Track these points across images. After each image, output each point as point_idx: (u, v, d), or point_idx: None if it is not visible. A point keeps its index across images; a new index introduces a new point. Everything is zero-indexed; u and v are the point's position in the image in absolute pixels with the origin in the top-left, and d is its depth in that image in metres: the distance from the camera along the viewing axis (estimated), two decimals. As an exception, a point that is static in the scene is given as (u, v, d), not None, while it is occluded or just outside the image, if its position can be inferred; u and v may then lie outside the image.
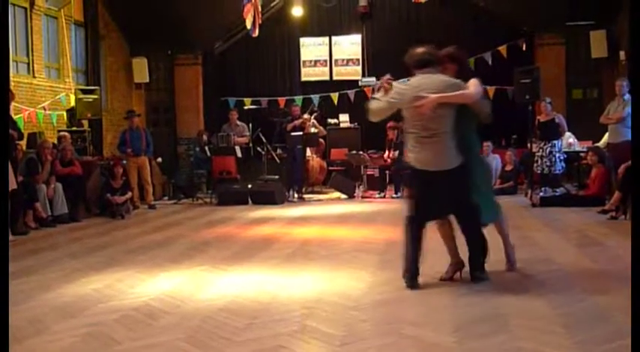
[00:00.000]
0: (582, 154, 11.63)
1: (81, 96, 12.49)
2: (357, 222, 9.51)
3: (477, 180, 5.28)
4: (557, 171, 11.16)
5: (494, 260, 5.96)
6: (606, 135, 11.05)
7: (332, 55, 16.47)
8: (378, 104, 5.26)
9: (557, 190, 11.01)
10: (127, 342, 4.12)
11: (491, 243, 5.70)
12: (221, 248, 7.61)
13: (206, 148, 13.49)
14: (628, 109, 10.25)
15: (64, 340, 4.22)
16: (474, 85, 5.21)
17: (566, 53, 14.74)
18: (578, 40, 14.41)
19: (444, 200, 5.20)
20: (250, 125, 14.11)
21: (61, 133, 11.58)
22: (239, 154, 13.06)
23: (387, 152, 13.28)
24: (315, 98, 15.80)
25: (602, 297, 4.82)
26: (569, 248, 7.03)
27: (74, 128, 12.44)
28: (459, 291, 5.11)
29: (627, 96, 10.34)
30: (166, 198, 13.82)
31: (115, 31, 15.29)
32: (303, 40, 16.54)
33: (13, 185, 8.15)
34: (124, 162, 11.99)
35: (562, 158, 11.23)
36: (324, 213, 10.85)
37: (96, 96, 12.67)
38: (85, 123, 12.91)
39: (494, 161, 12.77)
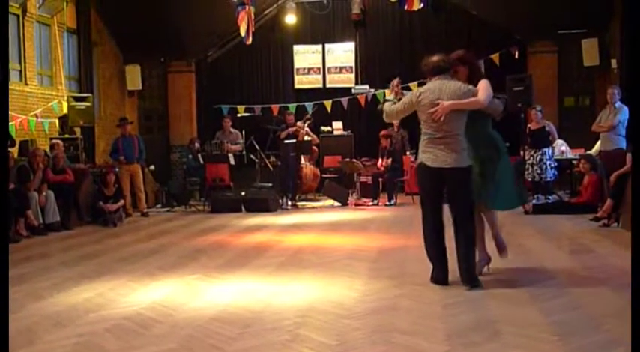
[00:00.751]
0: (574, 162, 11.67)
1: (73, 103, 12.45)
2: (350, 230, 9.51)
3: (502, 167, 5.65)
4: (549, 179, 11.20)
5: (489, 271, 5.97)
6: (598, 143, 11.11)
7: (325, 62, 16.49)
8: (392, 106, 5.71)
9: (550, 197, 11.04)
10: None
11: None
12: (214, 256, 7.59)
13: (199, 156, 13.48)
14: (619, 117, 10.31)
15: (55, 350, 4.20)
16: (483, 89, 5.47)
17: (558, 61, 14.80)
18: (570, 49, 14.48)
19: (450, 196, 5.54)
20: (243, 132, 14.10)
21: (54, 141, 11.54)
22: (232, 162, 13.05)
23: (380, 160, 13.30)
24: (309, 105, 15.82)
25: (594, 305, 4.83)
26: (562, 255, 7.05)
27: (66, 135, 12.41)
28: (451, 299, 5.11)
29: (618, 104, 10.40)
30: (159, 205, 13.78)
31: (108, 39, 15.28)
32: (296, 48, 16.56)
33: None
34: (117, 169, 11.96)
35: (553, 165, 11.27)
36: (317, 220, 10.84)
37: (88, 104, 12.63)
38: (78, 130, 12.88)
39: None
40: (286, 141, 13.27)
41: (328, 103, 15.86)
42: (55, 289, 5.95)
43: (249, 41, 13.50)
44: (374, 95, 15.71)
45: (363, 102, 15.78)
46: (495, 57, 14.89)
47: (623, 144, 10.18)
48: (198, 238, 9.10)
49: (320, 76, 16.48)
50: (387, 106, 5.76)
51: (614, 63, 13.31)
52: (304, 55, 16.56)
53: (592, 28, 13.98)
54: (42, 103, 12.36)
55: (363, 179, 13.56)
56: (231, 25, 13.79)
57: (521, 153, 11.54)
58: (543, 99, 13.14)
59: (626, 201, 8.47)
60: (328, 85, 16.41)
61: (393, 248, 7.74)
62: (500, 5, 14.35)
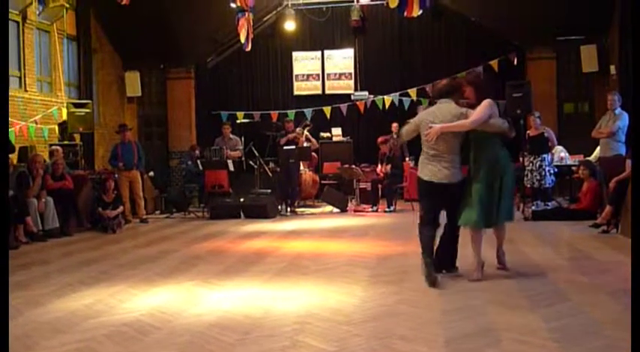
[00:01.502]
0: (574, 168, 11.67)
1: (73, 110, 12.47)
2: (350, 237, 9.50)
3: (508, 185, 6.08)
4: (548, 185, 11.20)
5: (489, 275, 5.96)
6: (598, 149, 11.11)
7: (324, 69, 16.53)
8: (407, 126, 6.42)
9: (549, 204, 11.04)
10: (117, 358, 4.10)
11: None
12: (213, 262, 7.58)
13: (198, 162, 13.48)
14: (619, 123, 10.31)
15: (54, 356, 4.19)
16: (476, 112, 5.98)
17: (556, 67, 14.83)
18: (568, 55, 14.51)
19: (441, 206, 6.21)
20: (243, 139, 14.11)
21: (53, 147, 11.54)
22: (231, 168, 13.05)
23: (379, 166, 13.30)
24: (308, 112, 15.84)
25: (594, 311, 4.82)
26: (561, 261, 7.04)
27: (66, 142, 12.42)
28: (451, 305, 5.10)
29: (618, 111, 10.40)
30: (158, 212, 13.78)
31: (108, 45, 15.32)
32: (295, 54, 16.60)
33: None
34: (116, 176, 11.96)
35: (552, 172, 11.27)
36: (316, 227, 10.84)
37: (88, 110, 12.65)
38: (77, 137, 12.89)
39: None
40: (286, 147, 13.28)
41: (327, 110, 15.89)
42: (53, 295, 5.94)
43: (249, 48, 13.53)
44: (373, 101, 15.75)
45: (362, 109, 15.81)
46: (494, 63, 14.95)
47: (623, 151, 10.18)
48: (197, 244, 9.09)
49: (319, 83, 16.52)
50: (404, 127, 6.45)
51: (612, 69, 13.34)
52: (303, 62, 16.60)
53: (591, 35, 14.02)
54: (41, 110, 12.38)
55: (362, 185, 13.56)
56: (231, 31, 13.84)
57: (521, 159, 11.54)
58: (542, 106, 13.16)
59: (625, 208, 8.48)
60: (327, 92, 16.44)
61: (392, 254, 7.74)
62: (500, 12, 14.38)
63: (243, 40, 13.10)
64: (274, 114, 16.18)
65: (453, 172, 6.01)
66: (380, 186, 13.06)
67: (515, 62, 15.02)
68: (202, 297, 5.74)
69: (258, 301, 5.50)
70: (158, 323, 4.86)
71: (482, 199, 5.94)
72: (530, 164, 11.23)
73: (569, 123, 14.47)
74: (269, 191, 13.07)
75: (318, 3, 16.26)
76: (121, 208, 11.33)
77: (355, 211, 12.83)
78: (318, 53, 16.51)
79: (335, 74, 16.48)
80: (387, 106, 15.61)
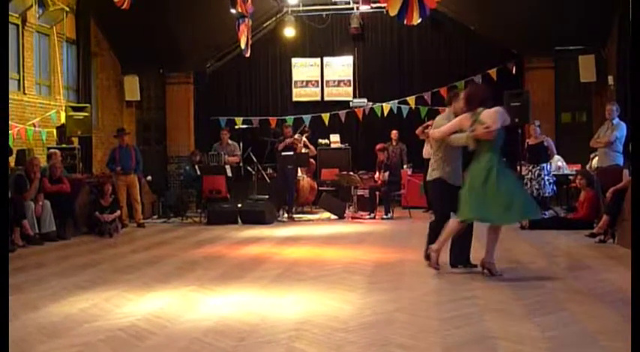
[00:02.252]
0: (571, 177, 11.69)
1: (71, 113, 12.47)
2: (347, 243, 9.49)
3: (502, 187, 6.37)
4: (547, 194, 11.22)
5: (486, 284, 5.96)
6: (596, 159, 11.12)
7: (323, 75, 16.55)
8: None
9: (546, 213, 11.05)
10: (112, 363, 4.09)
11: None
12: (210, 268, 7.57)
13: (196, 167, 13.47)
14: (616, 133, 10.33)
15: (49, 360, 4.17)
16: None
17: (555, 77, 14.87)
18: (567, 65, 14.55)
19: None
20: (241, 144, 14.11)
21: (51, 150, 11.53)
22: (229, 173, 13.04)
23: (377, 173, 13.30)
24: (307, 118, 15.86)
25: (590, 321, 4.82)
26: (558, 271, 7.04)
27: (64, 145, 12.41)
28: (448, 313, 5.10)
29: (616, 121, 10.42)
30: (155, 216, 13.76)
31: (107, 49, 15.33)
32: (294, 61, 16.62)
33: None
34: (114, 180, 11.94)
35: (551, 181, 11.29)
36: (313, 233, 10.83)
37: (86, 114, 12.65)
38: (75, 140, 12.88)
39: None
40: (284, 153, 13.28)
41: (326, 116, 15.90)
42: (49, 299, 5.93)
43: (248, 53, 13.57)
44: (371, 108, 15.77)
45: (360, 116, 15.83)
46: (493, 72, 15.00)
47: (620, 161, 10.21)
48: (195, 250, 9.08)
49: (318, 89, 16.53)
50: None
51: (610, 79, 13.37)
52: (303, 68, 16.62)
53: (589, 45, 14.07)
54: (40, 113, 12.37)
55: (359, 192, 13.56)
56: (230, 36, 13.85)
57: (518, 168, 11.55)
58: (540, 115, 13.19)
59: (622, 218, 8.49)
60: (326, 98, 16.45)
61: (389, 261, 7.74)
62: (498, 21, 14.44)
63: (243, 46, 13.13)
64: (273, 120, 16.19)
65: (437, 171, 7.03)
66: (377, 193, 13.06)
67: (514, 71, 15.06)
68: (199, 303, 5.72)
69: (255, 307, 5.49)
70: (154, 329, 4.85)
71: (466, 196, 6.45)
72: (530, 173, 11.24)
73: (567, 132, 14.50)
74: (267, 197, 13.06)
75: (318, 10, 16.30)
76: (118, 212, 11.32)
77: (353, 218, 12.82)
78: (318, 60, 16.53)
79: (334, 81, 16.50)
80: (385, 114, 15.64)
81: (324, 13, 16.31)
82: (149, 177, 13.88)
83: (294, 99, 16.63)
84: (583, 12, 13.19)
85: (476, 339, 4.39)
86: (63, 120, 12.61)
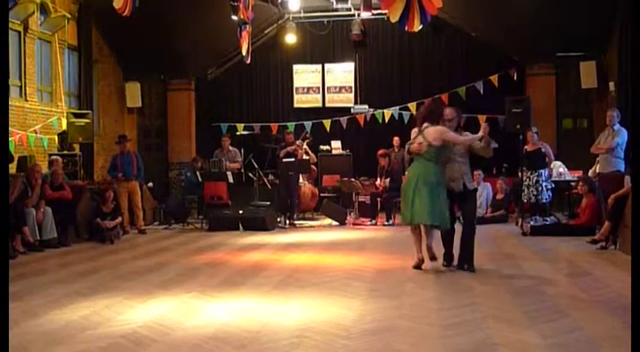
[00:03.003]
0: (573, 184, 11.68)
1: (73, 120, 12.48)
2: (348, 250, 9.48)
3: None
4: (545, 200, 11.20)
5: (488, 290, 5.95)
6: (598, 165, 11.11)
7: (325, 82, 16.57)
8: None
9: (548, 219, 11.03)
10: (113, 370, 4.08)
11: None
12: (211, 274, 7.56)
13: (197, 173, 13.47)
14: (617, 140, 10.33)
15: (50, 367, 4.16)
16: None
17: (556, 83, 14.89)
18: (568, 71, 14.58)
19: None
20: (242, 151, 14.11)
21: (52, 157, 11.54)
22: (230, 180, 13.04)
23: (378, 179, 13.30)
24: (308, 124, 15.87)
25: (592, 328, 4.81)
26: (560, 277, 7.03)
27: (65, 152, 12.41)
28: (450, 320, 5.09)
29: (617, 127, 10.42)
30: (157, 223, 13.75)
31: (109, 56, 15.36)
32: (296, 67, 16.65)
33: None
34: (115, 186, 11.94)
35: (549, 187, 11.26)
36: (315, 239, 10.82)
37: (88, 121, 12.67)
38: (77, 147, 12.89)
39: (485, 189, 12.81)
40: (285, 159, 13.27)
41: (327, 122, 15.91)
42: (50, 306, 5.92)
43: (249, 60, 13.59)
44: (373, 115, 15.78)
45: (362, 122, 15.84)
46: (494, 78, 15.02)
47: (621, 167, 10.20)
48: (196, 256, 9.07)
49: (319, 96, 16.55)
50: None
51: (611, 85, 13.38)
52: (304, 75, 16.64)
53: (590, 51, 14.09)
54: (41, 119, 12.39)
55: (361, 198, 13.54)
56: (232, 43, 13.88)
57: (519, 174, 11.55)
58: (541, 121, 13.20)
59: (623, 224, 8.47)
60: (327, 105, 16.46)
61: (391, 268, 7.72)
62: (499, 27, 14.46)
63: (244, 52, 13.16)
64: (274, 126, 16.21)
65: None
66: (379, 199, 13.05)
67: (515, 77, 15.08)
68: (200, 310, 5.72)
69: (256, 314, 5.48)
70: (155, 336, 4.84)
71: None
72: (528, 179, 11.23)
73: (568, 138, 14.50)
74: (268, 203, 13.05)
75: (320, 16, 16.33)
76: (119, 219, 11.32)
77: (354, 224, 12.81)
78: (319, 66, 16.56)
79: (335, 87, 16.51)
80: (386, 120, 15.64)
81: (326, 19, 16.34)
82: (150, 184, 13.89)
83: (296, 105, 16.65)
84: (584, 18, 13.21)
85: (477, 346, 4.38)
86: (64, 126, 12.62)
